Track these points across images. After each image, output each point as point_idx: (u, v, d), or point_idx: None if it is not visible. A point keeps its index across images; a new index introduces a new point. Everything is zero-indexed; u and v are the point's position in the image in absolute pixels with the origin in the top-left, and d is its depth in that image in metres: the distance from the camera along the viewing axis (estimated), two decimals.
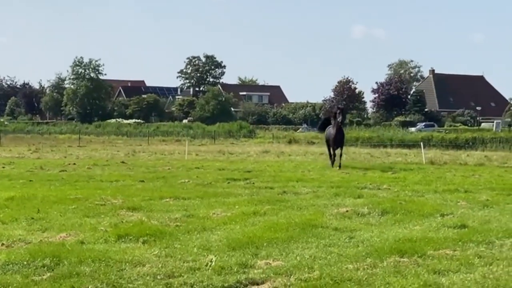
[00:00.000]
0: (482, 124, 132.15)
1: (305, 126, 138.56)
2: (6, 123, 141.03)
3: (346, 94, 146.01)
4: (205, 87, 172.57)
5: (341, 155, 41.44)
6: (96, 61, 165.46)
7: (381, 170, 38.95)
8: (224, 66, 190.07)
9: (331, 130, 41.69)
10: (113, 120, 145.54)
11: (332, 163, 41.16)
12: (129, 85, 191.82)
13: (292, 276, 11.93)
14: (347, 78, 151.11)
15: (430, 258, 13.61)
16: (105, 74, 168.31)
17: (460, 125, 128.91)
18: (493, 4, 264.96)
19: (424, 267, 12.77)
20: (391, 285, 11.31)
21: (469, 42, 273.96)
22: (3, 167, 39.60)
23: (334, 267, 12.64)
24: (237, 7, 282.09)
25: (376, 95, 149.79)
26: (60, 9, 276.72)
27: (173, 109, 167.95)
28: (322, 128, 46.16)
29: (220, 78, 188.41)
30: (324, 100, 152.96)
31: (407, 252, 13.88)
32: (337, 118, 40.89)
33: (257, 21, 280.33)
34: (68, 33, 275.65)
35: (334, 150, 41.43)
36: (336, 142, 41.00)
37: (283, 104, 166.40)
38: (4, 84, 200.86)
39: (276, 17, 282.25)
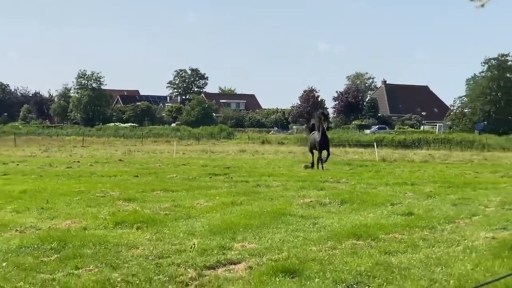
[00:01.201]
0: (422, 126, 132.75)
1: (276, 129, 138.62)
2: (20, 126, 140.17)
3: (311, 101, 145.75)
4: (191, 96, 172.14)
5: (327, 158, 37.63)
6: (98, 73, 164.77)
7: (341, 166, 39.03)
8: (207, 78, 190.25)
9: (316, 135, 37.81)
10: (112, 124, 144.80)
11: (313, 165, 37.76)
12: (126, 94, 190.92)
13: (264, 257, 11.92)
14: (311, 87, 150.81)
15: (382, 241, 13.64)
16: (105, 85, 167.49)
17: (408, 128, 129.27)
18: (435, 24, 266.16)
19: (376, 249, 12.79)
20: (348, 264, 11.32)
21: (415, 57, 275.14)
22: (17, 165, 39.43)
23: (300, 249, 12.65)
24: (218, 26, 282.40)
25: (337, 102, 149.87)
26: (67, 27, 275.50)
27: (163, 114, 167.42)
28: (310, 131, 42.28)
29: (203, 87, 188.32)
30: (292, 106, 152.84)
31: (362, 236, 13.91)
32: (323, 124, 37.21)
33: (236, 38, 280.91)
34: (73, 49, 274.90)
35: (319, 154, 37.30)
36: (322, 146, 37.07)
37: (257, 110, 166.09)
38: (18, 93, 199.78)
39: (252, 35, 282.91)
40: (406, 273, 10.78)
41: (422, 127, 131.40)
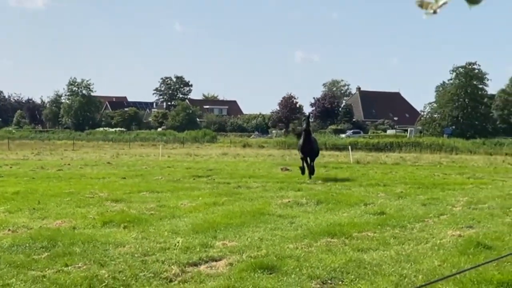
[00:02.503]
0: (388, 131, 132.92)
1: (257, 133, 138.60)
2: (13, 131, 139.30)
3: (289, 107, 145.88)
4: (176, 102, 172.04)
5: (312, 167, 30.22)
6: (87, 80, 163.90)
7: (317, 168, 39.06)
8: (191, 85, 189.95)
9: (300, 139, 31.16)
10: (101, 129, 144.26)
11: (303, 172, 30.32)
12: (114, 100, 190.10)
13: (244, 254, 11.95)
14: (290, 94, 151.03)
15: (355, 239, 13.71)
16: (95, 91, 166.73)
17: (381, 132, 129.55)
18: (407, 34, 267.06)
19: (350, 246, 12.85)
20: (323, 261, 11.36)
21: (388, 65, 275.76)
22: (11, 167, 39.21)
23: (278, 247, 12.68)
24: (202, 36, 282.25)
25: (314, 108, 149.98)
26: (58, 36, 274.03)
27: (150, 119, 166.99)
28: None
29: (188, 94, 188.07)
30: (272, 112, 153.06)
31: (337, 234, 13.97)
32: (302, 126, 31.53)
33: (218, 48, 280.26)
34: (64, 57, 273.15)
35: (304, 161, 30.47)
36: (305, 152, 30.20)
37: (239, 115, 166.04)
38: (11, 99, 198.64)
39: (234, 44, 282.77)
40: (377, 269, 10.84)
41: (386, 131, 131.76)
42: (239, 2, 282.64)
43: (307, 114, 33.03)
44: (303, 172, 30.14)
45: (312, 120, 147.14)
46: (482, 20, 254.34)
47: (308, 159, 30.40)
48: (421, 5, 2.88)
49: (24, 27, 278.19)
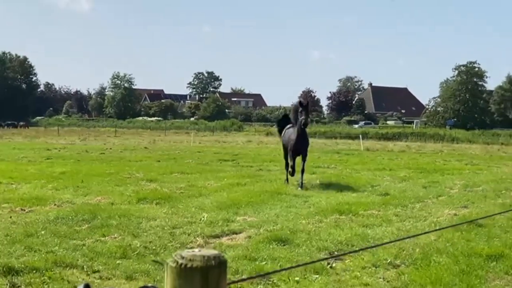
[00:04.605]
0: (388, 122, 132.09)
1: None
2: (63, 119, 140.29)
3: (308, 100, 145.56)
4: (207, 95, 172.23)
5: (303, 170, 20.06)
6: (129, 75, 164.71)
7: (331, 154, 39.02)
8: (221, 79, 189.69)
9: (291, 132, 20.97)
10: (140, 118, 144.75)
11: (287, 177, 20.89)
12: (152, 92, 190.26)
13: (261, 228, 12.00)
14: (309, 88, 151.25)
15: (361, 216, 13.72)
16: (135, 85, 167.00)
17: (392, 123, 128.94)
18: (415, 35, 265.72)
19: (356, 222, 12.87)
20: (332, 235, 11.39)
21: (397, 63, 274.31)
22: (59, 151, 39.52)
23: (291, 222, 12.72)
24: (230, 35, 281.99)
25: (330, 101, 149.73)
26: (105, 36, 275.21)
27: (184, 110, 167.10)
28: (280, 126, 23.66)
29: (218, 88, 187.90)
30: (292, 104, 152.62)
31: (345, 212, 13.99)
32: (300, 118, 19.78)
33: (244, 47, 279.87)
34: (109, 54, 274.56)
35: (293, 159, 20.45)
36: (296, 149, 20.40)
37: (263, 107, 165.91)
38: (62, 91, 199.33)
39: (257, 43, 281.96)
40: (379, 243, 10.83)
41: (388, 122, 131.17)
42: (261, 1, 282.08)
43: (306, 102, 21.16)
44: (293, 173, 20.55)
45: (328, 112, 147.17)
46: (483, 22, 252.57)
47: (302, 159, 20.66)
48: None
49: (72, 27, 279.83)
